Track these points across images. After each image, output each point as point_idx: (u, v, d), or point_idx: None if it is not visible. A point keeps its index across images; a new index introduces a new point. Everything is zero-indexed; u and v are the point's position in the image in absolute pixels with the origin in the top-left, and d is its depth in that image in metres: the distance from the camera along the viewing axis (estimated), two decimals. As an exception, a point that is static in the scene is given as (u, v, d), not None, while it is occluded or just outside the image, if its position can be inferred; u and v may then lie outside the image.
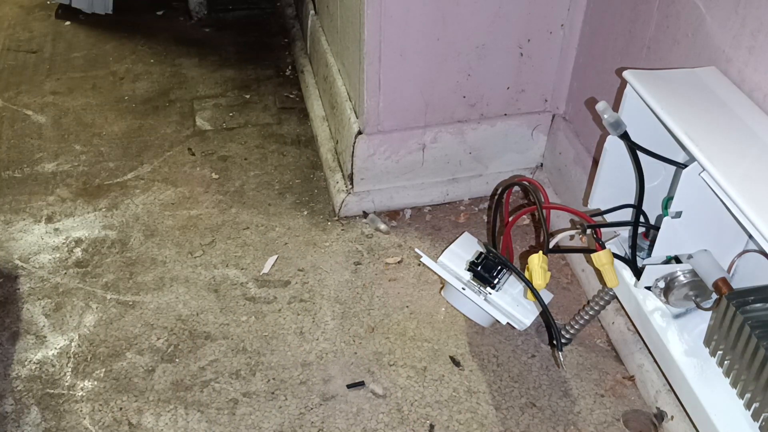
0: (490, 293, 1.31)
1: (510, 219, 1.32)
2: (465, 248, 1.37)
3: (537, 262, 1.16)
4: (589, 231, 1.16)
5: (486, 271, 1.29)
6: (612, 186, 1.20)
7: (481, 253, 1.30)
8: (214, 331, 1.44)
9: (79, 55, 2.37)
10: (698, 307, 1.09)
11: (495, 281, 1.29)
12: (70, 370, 1.37)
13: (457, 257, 1.35)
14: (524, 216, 1.72)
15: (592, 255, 1.15)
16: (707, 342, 1.03)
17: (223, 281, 1.55)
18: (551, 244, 1.19)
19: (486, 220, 1.73)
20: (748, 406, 0.96)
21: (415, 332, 1.45)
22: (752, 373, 0.92)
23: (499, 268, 1.29)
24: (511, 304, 1.31)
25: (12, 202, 1.76)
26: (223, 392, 1.33)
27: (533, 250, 1.53)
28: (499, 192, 1.36)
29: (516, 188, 1.81)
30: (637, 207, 1.12)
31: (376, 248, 1.64)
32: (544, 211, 1.24)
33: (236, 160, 1.91)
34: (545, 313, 1.24)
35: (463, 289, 1.31)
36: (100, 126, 2.04)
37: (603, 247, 1.15)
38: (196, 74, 2.28)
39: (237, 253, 1.62)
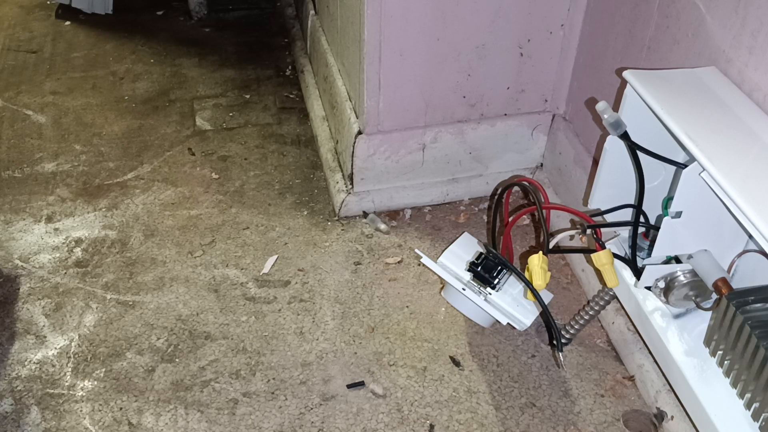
0: (490, 293, 1.31)
1: (510, 219, 1.32)
2: (465, 249, 1.37)
3: (537, 262, 1.16)
4: (589, 231, 1.16)
5: (486, 271, 1.29)
6: (612, 186, 1.20)
7: (481, 253, 1.30)
8: (214, 331, 1.44)
9: (79, 55, 2.37)
10: (698, 307, 1.09)
11: (495, 281, 1.29)
12: (70, 370, 1.37)
13: (457, 258, 1.35)
14: (524, 216, 1.72)
15: (592, 255, 1.15)
16: (707, 342, 1.03)
17: (223, 281, 1.55)
18: (551, 245, 1.19)
19: (486, 220, 1.73)
20: (748, 406, 0.96)
21: (415, 332, 1.45)
22: (752, 373, 0.92)
23: (499, 268, 1.29)
24: (511, 305, 1.31)
25: (12, 202, 1.76)
26: (223, 392, 1.33)
27: (533, 250, 1.53)
28: (499, 192, 1.36)
29: (516, 188, 1.81)
30: (637, 207, 1.12)
31: (376, 248, 1.64)
32: (544, 211, 1.24)
33: (236, 160, 1.91)
34: (545, 313, 1.24)
35: (463, 289, 1.31)
36: (100, 126, 2.04)
37: (603, 247, 1.15)
38: (196, 74, 2.28)
39: (237, 253, 1.62)
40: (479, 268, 1.29)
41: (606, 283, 1.15)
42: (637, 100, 1.08)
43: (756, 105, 1.04)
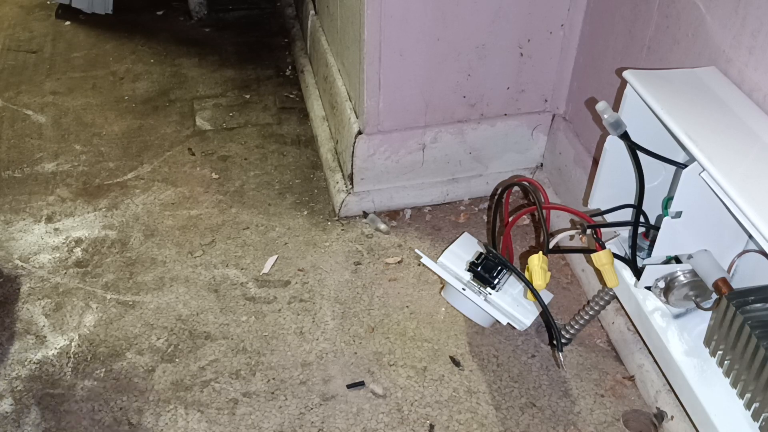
0: (490, 293, 1.31)
1: (510, 219, 1.32)
2: (465, 249, 1.37)
3: (537, 262, 1.16)
4: (589, 231, 1.16)
5: (486, 271, 1.29)
6: (612, 186, 1.20)
7: (481, 253, 1.30)
8: (214, 331, 1.44)
9: (79, 55, 2.37)
10: (698, 307, 1.09)
11: (495, 281, 1.29)
12: (70, 370, 1.37)
13: (457, 258, 1.35)
14: (524, 216, 1.72)
15: (592, 255, 1.15)
16: (707, 342, 1.03)
17: (223, 281, 1.55)
18: (551, 245, 1.19)
19: (486, 220, 1.73)
20: (748, 406, 0.96)
21: (415, 332, 1.45)
22: (752, 373, 0.92)
23: (499, 268, 1.29)
24: (511, 305, 1.31)
25: (12, 202, 1.76)
26: (223, 392, 1.33)
27: (533, 250, 1.53)
28: (498, 192, 1.36)
29: (516, 188, 1.81)
30: (637, 207, 1.12)
31: (376, 248, 1.64)
32: (544, 211, 1.24)
33: (236, 160, 1.91)
34: (545, 313, 1.24)
35: (464, 289, 1.31)
36: (100, 126, 2.04)
37: (603, 247, 1.15)
38: (196, 74, 2.28)
39: (237, 253, 1.62)
40: (479, 268, 1.29)
41: (606, 283, 1.15)
42: (637, 100, 1.08)
43: (756, 105, 1.04)
